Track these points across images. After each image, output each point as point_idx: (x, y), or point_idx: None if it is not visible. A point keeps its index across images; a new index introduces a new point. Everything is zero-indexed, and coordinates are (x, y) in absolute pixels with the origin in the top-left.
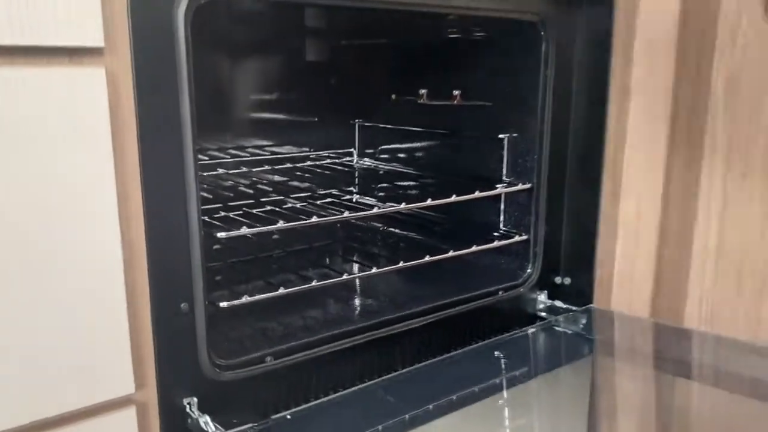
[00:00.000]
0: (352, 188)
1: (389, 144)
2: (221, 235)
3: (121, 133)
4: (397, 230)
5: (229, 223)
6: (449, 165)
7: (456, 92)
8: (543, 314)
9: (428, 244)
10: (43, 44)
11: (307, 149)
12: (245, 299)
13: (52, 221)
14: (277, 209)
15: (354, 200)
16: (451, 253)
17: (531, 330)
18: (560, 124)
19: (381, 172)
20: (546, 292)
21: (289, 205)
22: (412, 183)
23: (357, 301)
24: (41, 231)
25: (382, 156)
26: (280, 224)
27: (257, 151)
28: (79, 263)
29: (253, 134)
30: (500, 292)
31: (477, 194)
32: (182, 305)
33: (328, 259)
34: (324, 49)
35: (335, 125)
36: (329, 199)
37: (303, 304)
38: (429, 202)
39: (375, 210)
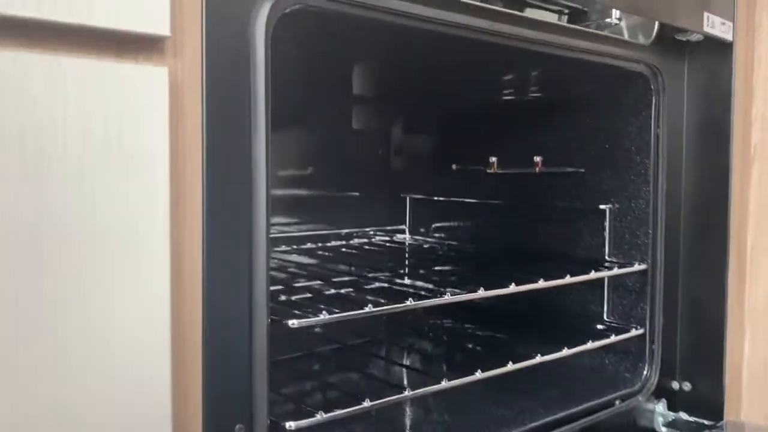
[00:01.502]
0: (402, 270)
1: (447, 220)
2: (293, 323)
3: (181, 169)
4: (462, 325)
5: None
6: (527, 243)
7: (537, 159)
8: (663, 430)
9: (505, 342)
10: (83, 23)
11: (350, 227)
12: (320, 417)
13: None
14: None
15: (408, 240)
16: (554, 355)
17: None
18: (671, 193)
19: (439, 252)
20: (664, 401)
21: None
22: (475, 265)
23: (419, 422)
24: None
25: (437, 233)
26: (369, 308)
27: (288, 230)
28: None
29: (288, 209)
30: (617, 402)
31: (590, 275)
32: (237, 427)
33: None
34: (372, 116)
35: (383, 199)
36: (376, 284)
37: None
38: (530, 286)
39: (448, 297)
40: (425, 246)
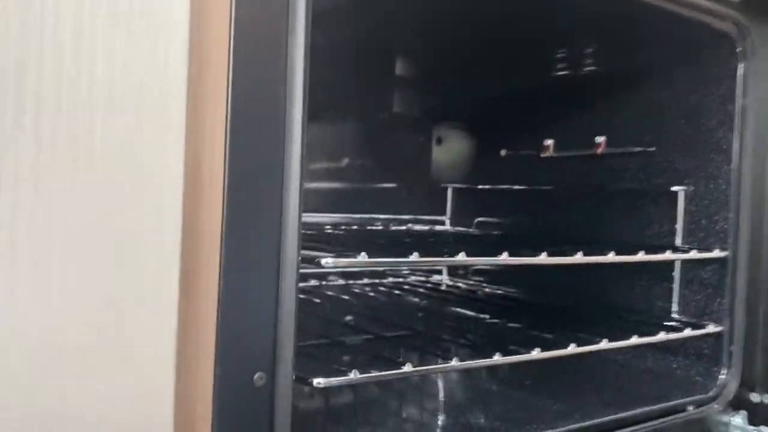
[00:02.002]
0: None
1: (493, 210)
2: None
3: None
4: (499, 320)
5: None
6: (585, 233)
7: (600, 139)
8: None
9: (548, 341)
10: None
11: (389, 216)
12: (354, 375)
13: None
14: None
15: (443, 282)
16: (620, 343)
17: None
18: (758, 173)
19: (485, 243)
20: (744, 413)
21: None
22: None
23: (455, 417)
24: None
25: (481, 225)
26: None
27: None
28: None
29: (319, 202)
30: (689, 408)
31: (665, 255)
32: (256, 375)
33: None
34: (413, 100)
35: (422, 190)
36: (413, 278)
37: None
38: (598, 258)
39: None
40: (467, 237)
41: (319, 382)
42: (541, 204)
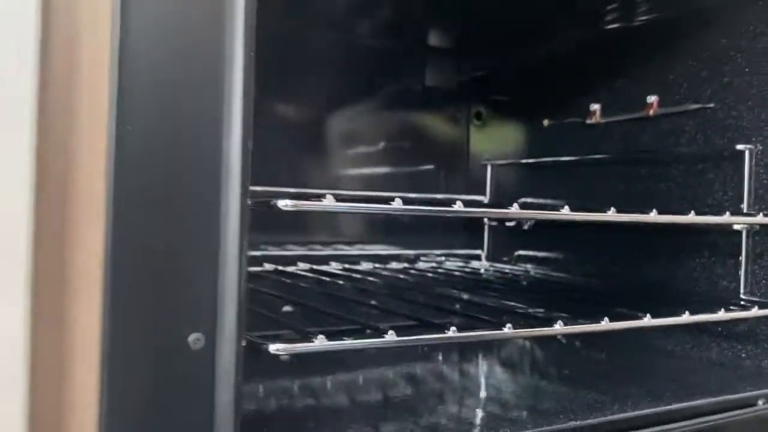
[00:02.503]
0: (479, 251)
1: (537, 186)
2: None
3: None
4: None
5: None
6: (637, 204)
7: (651, 98)
8: None
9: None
10: None
11: (421, 200)
12: (319, 343)
13: None
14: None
15: (483, 269)
16: (700, 317)
17: None
18: None
19: (524, 227)
20: None
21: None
22: (569, 236)
23: (487, 405)
24: None
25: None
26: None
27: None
28: None
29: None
30: (759, 402)
31: (729, 218)
32: (191, 336)
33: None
34: (449, 70)
35: (460, 168)
36: (449, 264)
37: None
38: (667, 218)
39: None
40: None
41: (278, 348)
42: (588, 177)
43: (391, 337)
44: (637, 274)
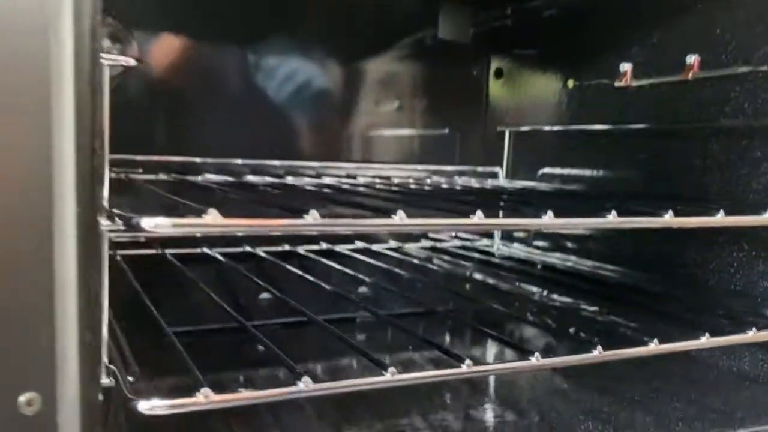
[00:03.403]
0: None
1: (559, 158)
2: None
3: None
4: (561, 300)
5: None
6: (672, 185)
7: (691, 58)
8: None
9: (623, 329)
10: None
11: (429, 168)
12: (202, 398)
13: None
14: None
15: (497, 248)
16: (698, 341)
17: None
18: None
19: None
20: None
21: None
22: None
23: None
24: None
25: (544, 176)
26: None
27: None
28: None
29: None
30: None
31: None
32: (21, 397)
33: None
34: (463, 23)
35: (474, 135)
36: (456, 241)
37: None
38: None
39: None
40: (526, 192)
41: (153, 406)
42: (614, 148)
43: (304, 385)
44: (678, 267)
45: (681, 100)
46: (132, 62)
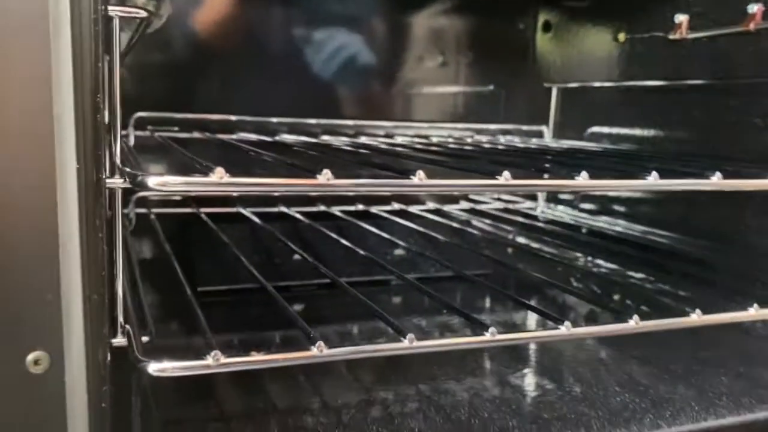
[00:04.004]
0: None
1: (610, 117)
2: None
3: None
4: (609, 267)
5: None
6: (727, 146)
7: (754, 8)
8: None
9: (664, 299)
10: None
11: (472, 127)
12: (211, 361)
13: None
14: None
15: (540, 210)
16: (747, 313)
17: None
18: None
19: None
20: None
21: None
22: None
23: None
24: None
25: (595, 137)
26: None
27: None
28: None
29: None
30: None
31: None
32: (29, 356)
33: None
34: None
35: (519, 92)
36: (497, 203)
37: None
38: None
39: None
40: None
41: (163, 368)
42: (668, 105)
43: (318, 350)
44: (728, 233)
45: (741, 53)
46: (143, 13)
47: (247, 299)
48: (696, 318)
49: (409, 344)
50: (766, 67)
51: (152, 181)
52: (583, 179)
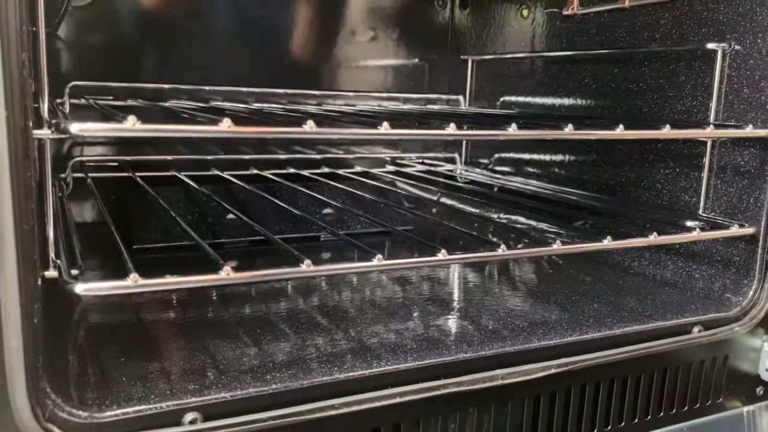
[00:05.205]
0: (455, 154)
1: (518, 86)
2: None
3: None
4: (516, 219)
5: None
6: (606, 107)
7: None
8: None
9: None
10: None
11: (395, 95)
12: (131, 282)
13: None
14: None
15: (459, 172)
16: (601, 244)
17: (749, 409)
18: None
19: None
20: None
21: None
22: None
23: (429, 321)
24: None
25: (506, 105)
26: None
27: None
28: None
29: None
30: (694, 329)
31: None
32: None
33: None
34: None
35: (438, 64)
36: (420, 167)
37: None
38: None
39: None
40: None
41: (88, 288)
42: (562, 74)
43: (226, 273)
44: (611, 183)
45: (619, 27)
46: None
47: (181, 256)
48: (557, 247)
49: (306, 268)
50: (638, 40)
51: (75, 127)
52: (512, 130)
